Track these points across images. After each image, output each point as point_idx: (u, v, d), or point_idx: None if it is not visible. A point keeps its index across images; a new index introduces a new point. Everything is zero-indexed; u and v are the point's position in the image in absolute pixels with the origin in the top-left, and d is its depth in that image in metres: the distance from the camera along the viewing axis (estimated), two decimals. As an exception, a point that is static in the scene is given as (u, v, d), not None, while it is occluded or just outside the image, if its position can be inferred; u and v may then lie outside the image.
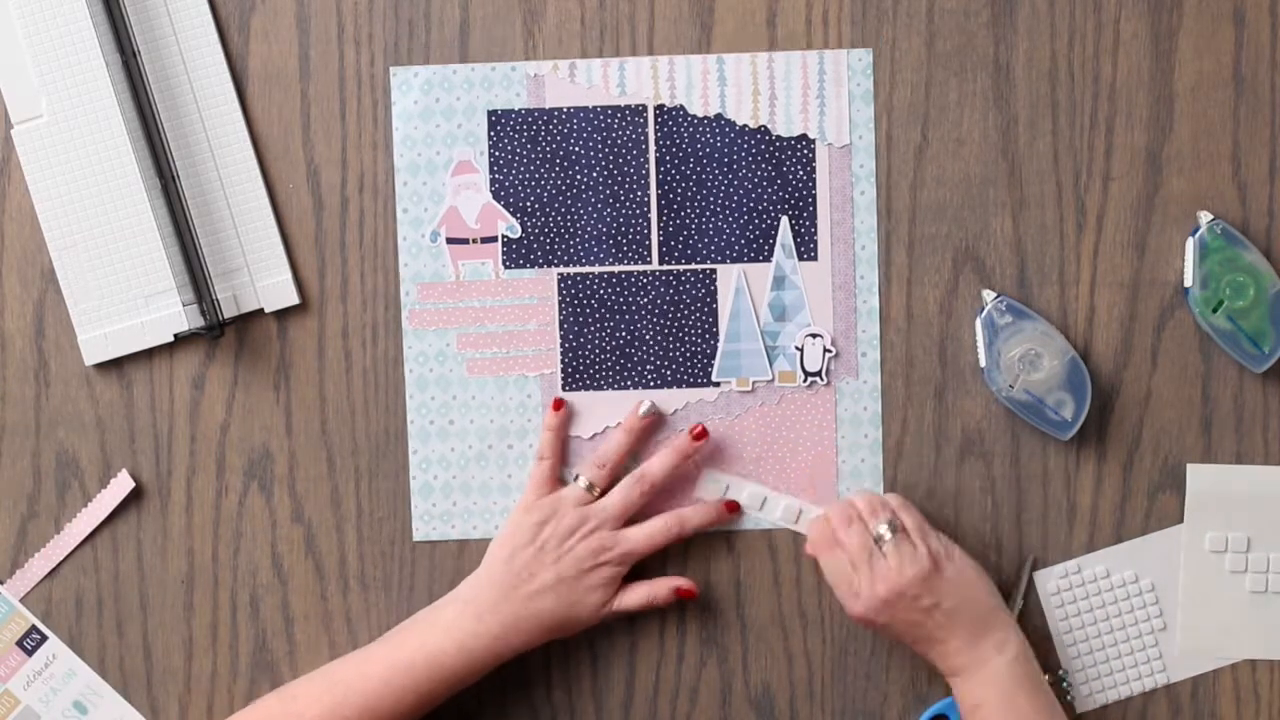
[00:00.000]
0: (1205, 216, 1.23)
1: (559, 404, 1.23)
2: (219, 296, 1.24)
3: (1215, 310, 1.22)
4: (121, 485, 1.25)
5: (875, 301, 1.24)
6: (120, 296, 1.25)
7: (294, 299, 1.25)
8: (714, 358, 1.25)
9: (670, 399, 1.25)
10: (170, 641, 1.26)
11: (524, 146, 1.25)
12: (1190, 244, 1.23)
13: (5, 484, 1.26)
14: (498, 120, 1.25)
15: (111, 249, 1.24)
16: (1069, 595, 1.25)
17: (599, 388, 1.25)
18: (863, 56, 1.24)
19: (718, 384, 1.25)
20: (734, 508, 1.24)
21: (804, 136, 1.25)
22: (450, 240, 1.25)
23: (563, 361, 1.25)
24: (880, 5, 1.25)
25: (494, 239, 1.25)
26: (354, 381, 1.26)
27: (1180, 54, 1.25)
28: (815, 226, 1.25)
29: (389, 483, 1.26)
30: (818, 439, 1.25)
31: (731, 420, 1.25)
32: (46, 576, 1.26)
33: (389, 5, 1.25)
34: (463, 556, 1.26)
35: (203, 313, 1.22)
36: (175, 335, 1.24)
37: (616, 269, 1.25)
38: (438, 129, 1.25)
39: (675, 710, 1.26)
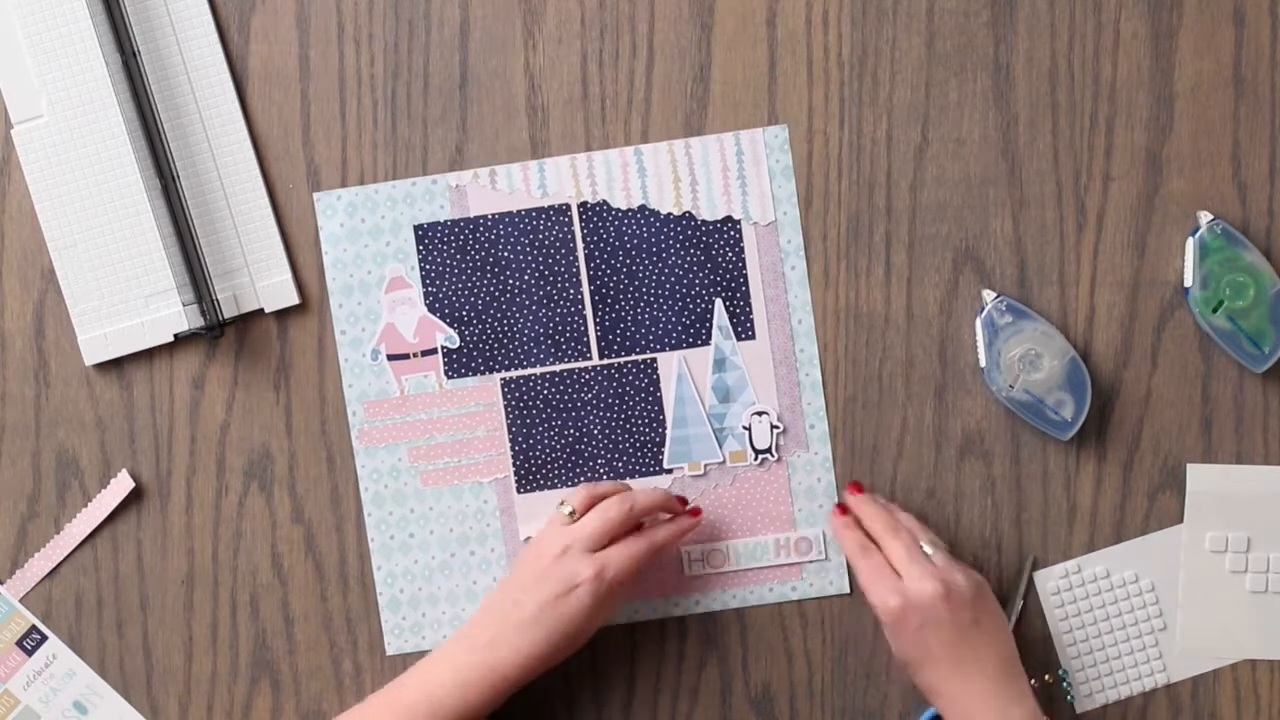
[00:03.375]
0: (1205, 216, 1.23)
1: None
2: (219, 296, 1.24)
3: (1215, 310, 1.22)
4: (121, 485, 1.25)
5: (817, 374, 1.25)
6: (120, 296, 1.25)
7: (294, 299, 1.25)
8: (664, 445, 1.25)
9: None
10: (170, 641, 1.26)
11: (453, 257, 1.25)
12: (1190, 244, 1.23)
13: (5, 484, 1.26)
14: (425, 234, 1.25)
15: (111, 249, 1.24)
16: (1069, 595, 1.25)
17: (553, 486, 1.25)
18: (779, 133, 1.24)
19: (670, 470, 1.25)
20: (697, 512, 1.23)
21: (729, 218, 1.25)
22: (391, 357, 1.25)
23: (514, 464, 1.25)
24: (880, 5, 1.25)
25: (434, 351, 1.25)
26: (354, 381, 1.26)
27: (1180, 54, 1.25)
28: (750, 306, 1.25)
29: (389, 483, 1.26)
30: (775, 514, 1.25)
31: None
32: (46, 576, 1.26)
33: (389, 5, 1.26)
34: (463, 556, 1.26)
35: (203, 313, 1.22)
36: (175, 335, 1.25)
37: (558, 368, 1.25)
38: (366, 249, 1.25)
39: (675, 710, 1.26)
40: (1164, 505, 1.25)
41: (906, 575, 1.16)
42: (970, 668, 1.14)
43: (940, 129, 1.25)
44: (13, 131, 1.24)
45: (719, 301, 1.25)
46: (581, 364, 1.25)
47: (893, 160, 1.25)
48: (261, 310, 1.25)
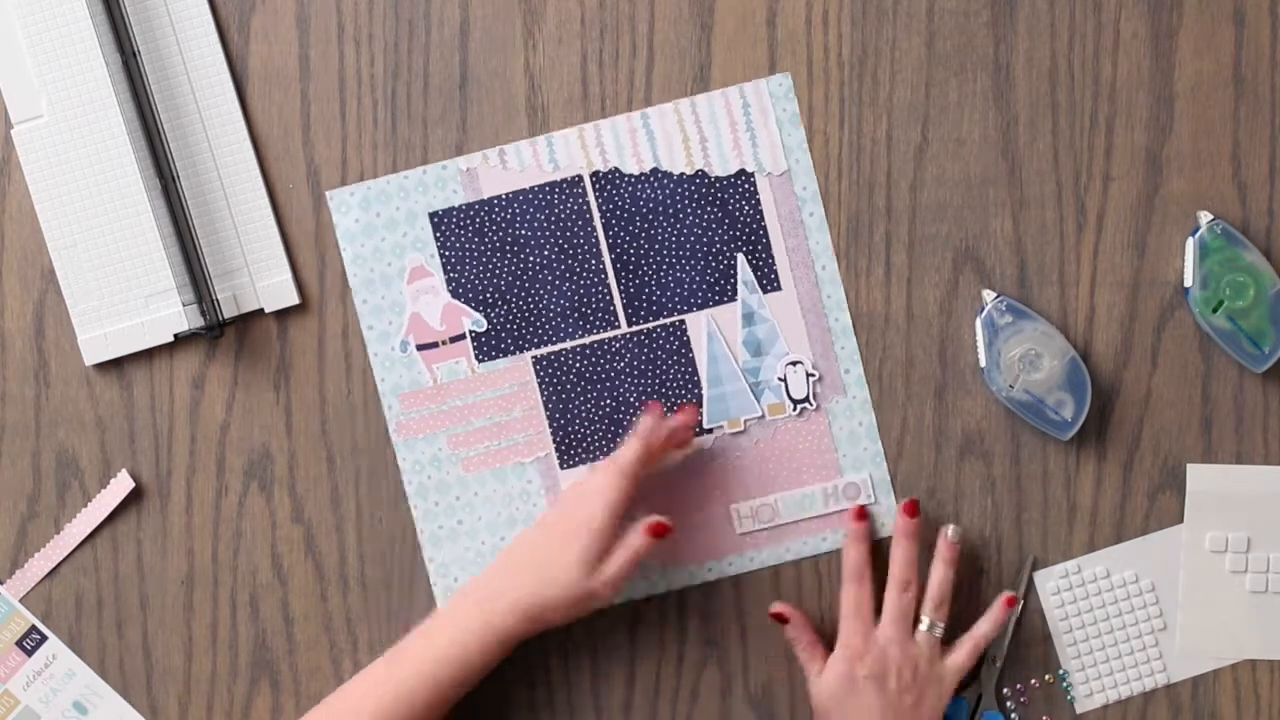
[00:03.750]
0: (1205, 216, 1.23)
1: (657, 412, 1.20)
2: (219, 296, 1.24)
3: (1215, 310, 1.22)
4: (121, 485, 1.25)
5: (847, 319, 1.24)
6: (120, 296, 1.25)
7: (294, 299, 1.25)
8: (701, 406, 1.25)
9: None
10: (170, 641, 1.26)
11: (472, 241, 1.25)
12: (1190, 244, 1.23)
13: (5, 484, 1.26)
14: (440, 220, 1.25)
15: (111, 249, 1.24)
16: (1069, 595, 1.25)
17: (595, 459, 1.25)
18: (782, 81, 1.24)
19: (710, 430, 1.25)
20: (693, 414, 1.22)
21: (742, 172, 1.25)
22: (420, 347, 1.25)
23: (555, 441, 1.25)
24: (880, 5, 1.25)
25: (462, 336, 1.25)
26: (354, 381, 1.26)
27: (1180, 54, 1.25)
28: (772, 257, 1.25)
29: (389, 482, 1.26)
30: (820, 463, 1.25)
31: (731, 462, 1.25)
32: (46, 576, 1.26)
33: (389, 5, 1.26)
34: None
35: (203, 313, 1.22)
36: (175, 335, 1.25)
37: (587, 340, 1.25)
38: (384, 241, 1.25)
39: (675, 710, 1.26)
40: (1164, 505, 1.25)
41: (882, 630, 1.19)
42: None
43: (940, 129, 1.25)
44: (13, 131, 1.24)
45: (741, 256, 1.25)
46: (610, 334, 1.25)
47: (893, 160, 1.25)
48: (261, 310, 1.25)
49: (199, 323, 1.23)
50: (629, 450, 1.17)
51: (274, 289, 1.25)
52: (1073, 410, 1.23)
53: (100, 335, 1.25)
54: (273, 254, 1.25)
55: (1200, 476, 1.25)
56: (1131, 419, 1.25)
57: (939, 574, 1.21)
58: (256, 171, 1.25)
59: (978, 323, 1.24)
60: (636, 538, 1.16)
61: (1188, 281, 1.23)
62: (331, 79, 1.26)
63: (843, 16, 1.25)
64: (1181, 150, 1.25)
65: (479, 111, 1.25)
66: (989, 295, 1.24)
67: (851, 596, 1.20)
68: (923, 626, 1.20)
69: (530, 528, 1.19)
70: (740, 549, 1.25)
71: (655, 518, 1.17)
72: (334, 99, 1.26)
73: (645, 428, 1.18)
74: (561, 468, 1.25)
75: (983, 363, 1.24)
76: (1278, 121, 1.25)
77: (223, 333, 1.23)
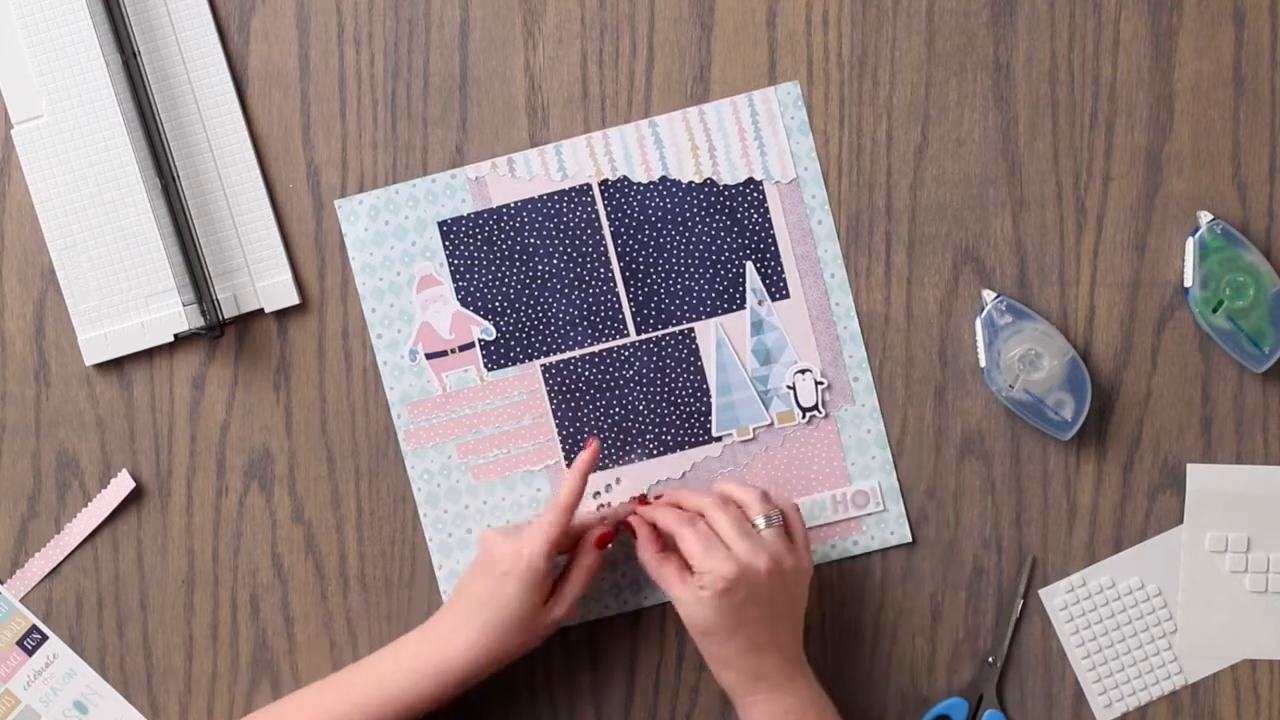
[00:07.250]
0: (1205, 216, 1.23)
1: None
2: (219, 296, 1.24)
3: (1215, 310, 1.22)
4: (121, 485, 1.25)
5: (855, 326, 1.25)
6: (120, 296, 1.25)
7: (294, 299, 1.25)
8: (710, 414, 1.25)
9: (676, 462, 1.25)
10: (170, 641, 1.26)
11: (481, 249, 1.25)
12: (1190, 244, 1.23)
13: (5, 484, 1.26)
14: (449, 229, 1.25)
15: (111, 249, 1.24)
16: (1076, 609, 1.24)
17: (604, 467, 1.25)
18: (791, 89, 1.24)
19: (719, 438, 1.25)
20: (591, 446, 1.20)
21: (750, 180, 1.25)
22: (429, 355, 1.25)
23: (564, 449, 1.25)
24: (880, 5, 1.25)
25: (471, 345, 1.25)
26: (354, 381, 1.26)
27: (1180, 54, 1.25)
28: (781, 265, 1.25)
29: (389, 482, 1.26)
30: (829, 470, 1.25)
31: (740, 470, 1.25)
32: (46, 576, 1.26)
33: (389, 5, 1.26)
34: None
35: (203, 313, 1.22)
36: (175, 335, 1.25)
37: (596, 348, 1.25)
38: (393, 250, 1.25)
39: (675, 710, 1.26)
40: (1164, 505, 1.25)
41: (737, 548, 1.13)
42: (769, 647, 1.14)
43: (940, 129, 1.25)
44: (13, 131, 1.24)
45: (749, 264, 1.25)
46: (619, 342, 1.25)
47: (893, 160, 1.25)
48: (261, 310, 1.25)
49: (199, 323, 1.23)
50: (566, 491, 1.17)
51: (274, 289, 1.25)
52: (1073, 410, 1.23)
53: (100, 335, 1.25)
54: (273, 254, 1.25)
55: (1200, 476, 1.25)
56: (1131, 419, 1.25)
57: (732, 489, 1.18)
58: (256, 171, 1.25)
59: (978, 323, 1.24)
60: (586, 555, 1.18)
61: (1188, 281, 1.23)
62: (331, 79, 1.26)
63: (843, 17, 1.25)
64: (1181, 150, 1.25)
65: (479, 111, 1.25)
66: (989, 295, 1.24)
67: (693, 534, 1.14)
68: (761, 525, 1.15)
69: (467, 575, 1.18)
70: None
71: (598, 529, 1.19)
72: (334, 99, 1.26)
73: (585, 461, 1.19)
74: None
75: (983, 363, 1.24)
76: (1278, 121, 1.25)
77: (223, 333, 1.23)
